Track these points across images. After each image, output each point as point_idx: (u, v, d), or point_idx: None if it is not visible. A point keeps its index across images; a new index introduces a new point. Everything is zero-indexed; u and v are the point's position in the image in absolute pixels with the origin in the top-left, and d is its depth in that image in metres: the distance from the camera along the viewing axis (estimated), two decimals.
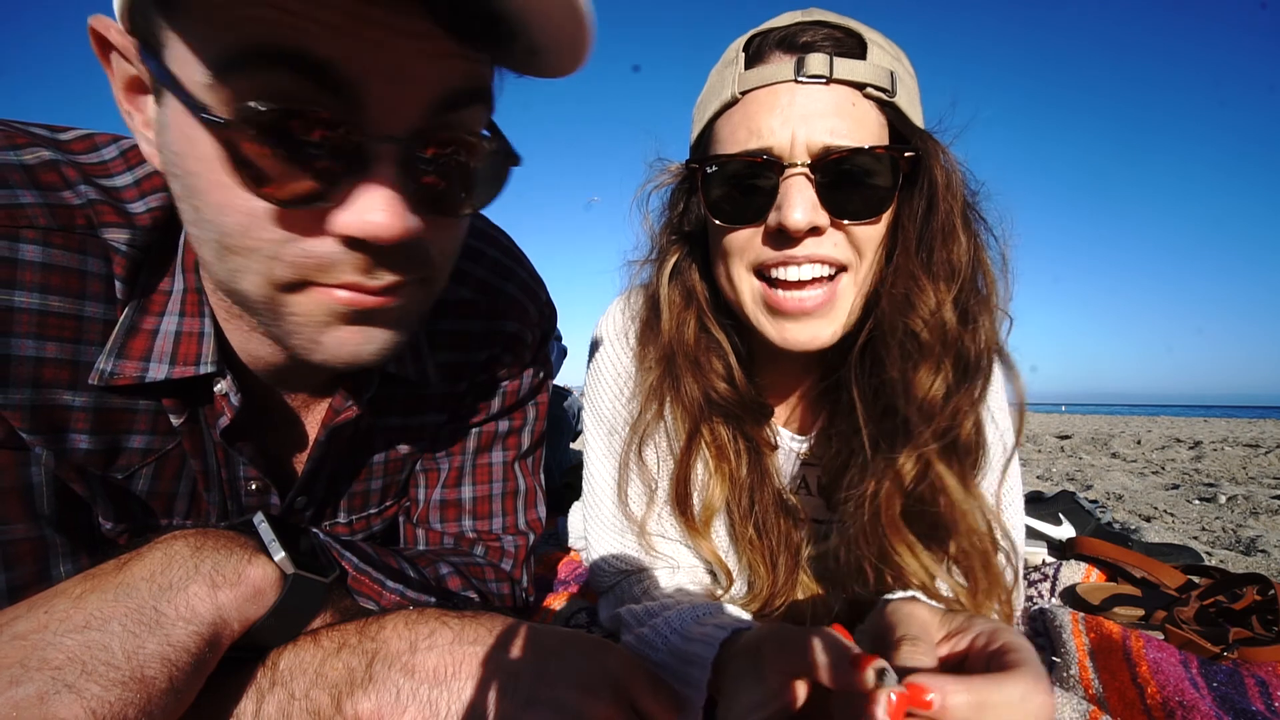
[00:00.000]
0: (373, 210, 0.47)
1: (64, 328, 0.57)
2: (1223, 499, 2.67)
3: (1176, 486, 3.14)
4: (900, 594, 0.71)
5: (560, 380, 2.64)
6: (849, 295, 0.75)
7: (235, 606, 0.50)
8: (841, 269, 0.73)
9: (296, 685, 0.50)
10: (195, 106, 0.43)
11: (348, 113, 0.45)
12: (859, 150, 0.69)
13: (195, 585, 0.48)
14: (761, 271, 0.75)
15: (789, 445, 0.92)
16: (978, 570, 0.70)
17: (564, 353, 2.30)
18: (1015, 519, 0.85)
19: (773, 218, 0.71)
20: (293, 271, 0.49)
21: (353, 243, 0.48)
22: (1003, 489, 0.80)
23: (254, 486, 0.73)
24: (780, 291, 0.74)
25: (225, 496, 0.72)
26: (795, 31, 0.73)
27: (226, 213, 0.47)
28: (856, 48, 0.72)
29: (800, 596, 0.88)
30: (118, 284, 0.60)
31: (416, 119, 0.47)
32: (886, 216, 0.73)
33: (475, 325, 0.83)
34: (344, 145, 0.45)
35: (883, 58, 0.72)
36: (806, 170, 0.70)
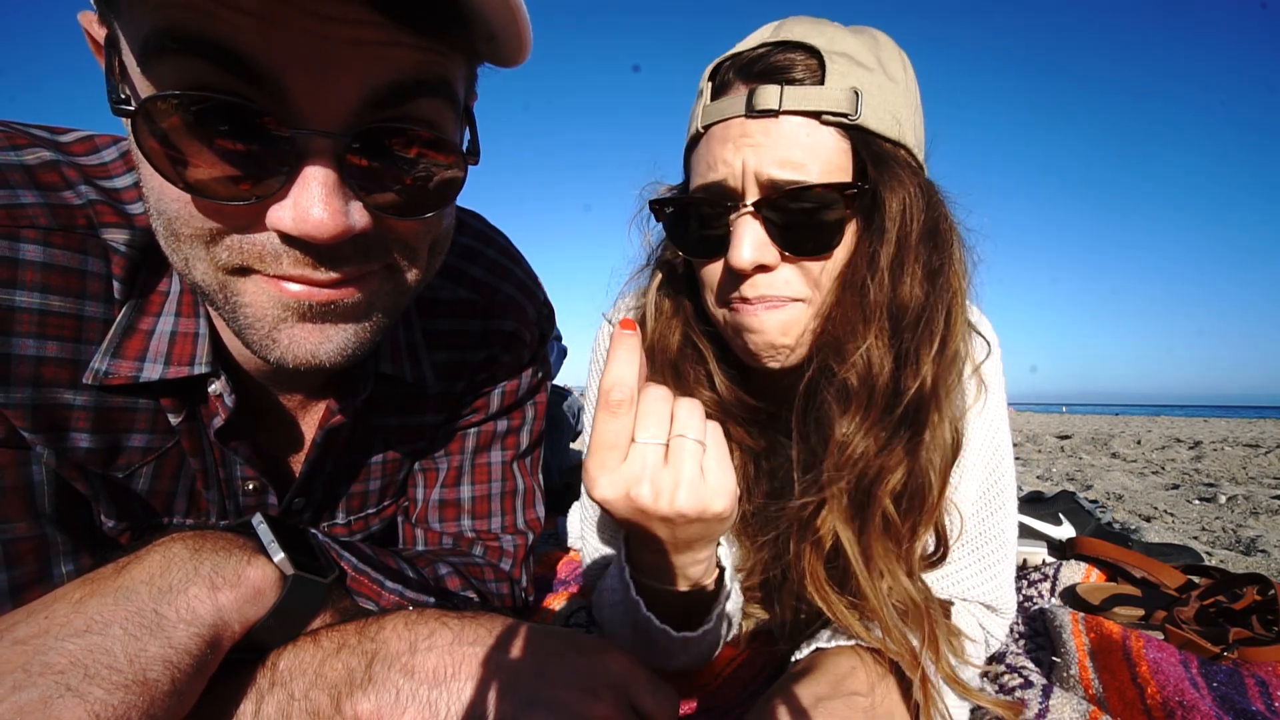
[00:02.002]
0: (305, 207, 0.45)
1: (64, 327, 0.58)
2: (1223, 499, 2.67)
3: (1176, 486, 3.14)
4: (823, 638, 0.71)
5: (560, 380, 2.64)
6: (805, 323, 0.73)
7: (235, 608, 0.49)
8: (795, 301, 0.72)
9: (296, 686, 0.50)
10: (118, 95, 0.43)
11: (271, 104, 0.43)
12: (804, 187, 0.67)
13: (195, 587, 0.48)
14: (727, 304, 0.75)
15: (789, 451, 0.91)
16: (892, 635, 0.66)
17: (564, 353, 2.30)
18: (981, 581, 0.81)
19: (727, 256, 0.71)
20: (233, 257, 0.48)
21: (292, 239, 0.47)
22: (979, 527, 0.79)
23: (251, 487, 0.73)
24: (743, 308, 0.73)
25: (223, 496, 0.72)
26: (757, 58, 0.70)
27: (166, 201, 0.46)
28: (814, 71, 0.68)
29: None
30: (116, 284, 0.60)
31: (354, 111, 0.45)
32: (844, 250, 0.71)
33: (473, 325, 0.83)
34: (268, 138, 0.43)
35: (847, 75, 0.68)
36: (752, 210, 0.68)
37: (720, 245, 0.72)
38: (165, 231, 0.49)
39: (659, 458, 0.56)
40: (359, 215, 0.48)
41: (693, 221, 0.74)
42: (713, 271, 0.75)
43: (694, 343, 0.84)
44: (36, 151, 0.58)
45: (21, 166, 0.57)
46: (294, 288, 0.49)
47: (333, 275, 0.50)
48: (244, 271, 0.49)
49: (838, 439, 0.67)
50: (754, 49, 0.71)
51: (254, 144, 0.44)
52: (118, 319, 0.60)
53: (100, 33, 0.49)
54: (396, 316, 0.59)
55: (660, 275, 0.87)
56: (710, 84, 0.73)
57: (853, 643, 0.69)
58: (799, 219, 0.68)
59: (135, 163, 0.49)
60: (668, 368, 0.84)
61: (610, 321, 0.96)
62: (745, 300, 0.72)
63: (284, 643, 0.53)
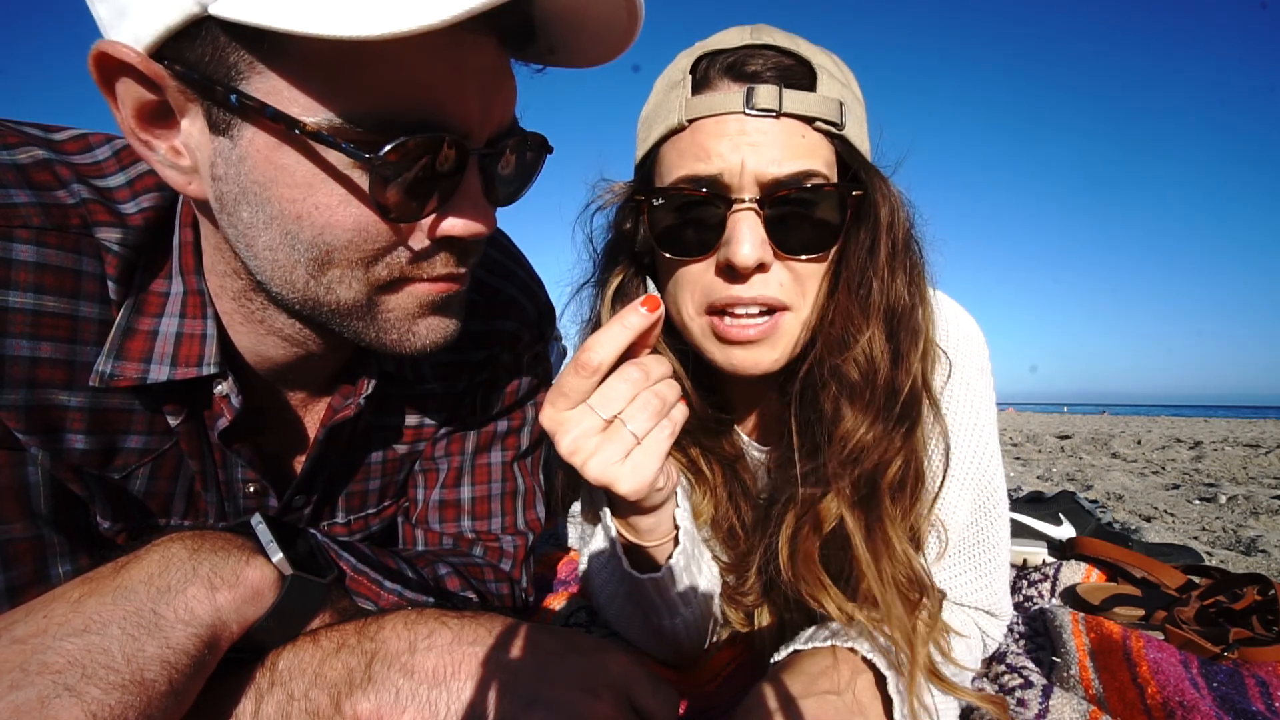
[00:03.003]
0: (470, 214, 0.55)
1: (59, 328, 0.57)
2: (1223, 499, 2.67)
3: (1177, 486, 3.14)
4: (800, 639, 0.72)
5: None
6: (793, 331, 0.73)
7: (234, 608, 0.49)
8: (785, 309, 0.72)
9: (295, 686, 0.50)
10: (327, 142, 0.47)
11: (457, 141, 0.52)
12: (807, 186, 0.68)
13: (193, 587, 0.48)
14: (710, 308, 0.74)
15: (754, 455, 0.91)
16: (891, 617, 0.67)
17: (564, 353, 2.30)
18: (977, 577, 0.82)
19: (721, 253, 0.70)
20: (391, 272, 0.56)
21: (447, 242, 0.56)
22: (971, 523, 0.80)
23: (252, 489, 0.73)
24: (727, 319, 0.72)
25: (222, 497, 0.72)
26: (743, 57, 0.70)
27: (331, 231, 0.51)
28: (806, 77, 0.70)
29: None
30: (110, 284, 0.59)
31: (495, 131, 0.55)
32: (832, 252, 0.72)
33: (474, 325, 0.83)
34: (449, 163, 0.52)
35: (832, 87, 0.69)
36: (755, 205, 0.68)
37: (709, 243, 0.71)
38: (309, 262, 0.53)
39: (595, 426, 0.61)
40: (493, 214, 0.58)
41: (681, 218, 0.72)
42: (694, 274, 0.73)
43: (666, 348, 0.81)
44: (29, 150, 0.58)
45: (14, 165, 0.56)
46: (438, 286, 0.58)
47: (465, 269, 0.60)
48: (396, 284, 0.57)
49: (842, 432, 0.69)
50: (738, 49, 0.70)
51: (440, 173, 0.52)
52: (117, 320, 0.60)
53: (151, 68, 0.47)
54: None
55: (610, 287, 0.83)
56: (691, 77, 0.72)
57: (829, 644, 0.69)
58: (798, 218, 0.69)
59: (253, 201, 0.52)
60: None
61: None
62: (732, 311, 0.71)
63: (283, 643, 0.53)
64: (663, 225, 0.74)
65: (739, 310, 0.71)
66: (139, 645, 0.43)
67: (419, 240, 0.55)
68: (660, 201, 0.73)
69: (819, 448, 0.72)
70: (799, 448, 0.75)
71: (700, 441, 0.87)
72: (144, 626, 0.44)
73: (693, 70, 0.72)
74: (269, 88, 0.46)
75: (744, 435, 0.91)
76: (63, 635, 0.42)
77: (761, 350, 0.73)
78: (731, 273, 0.70)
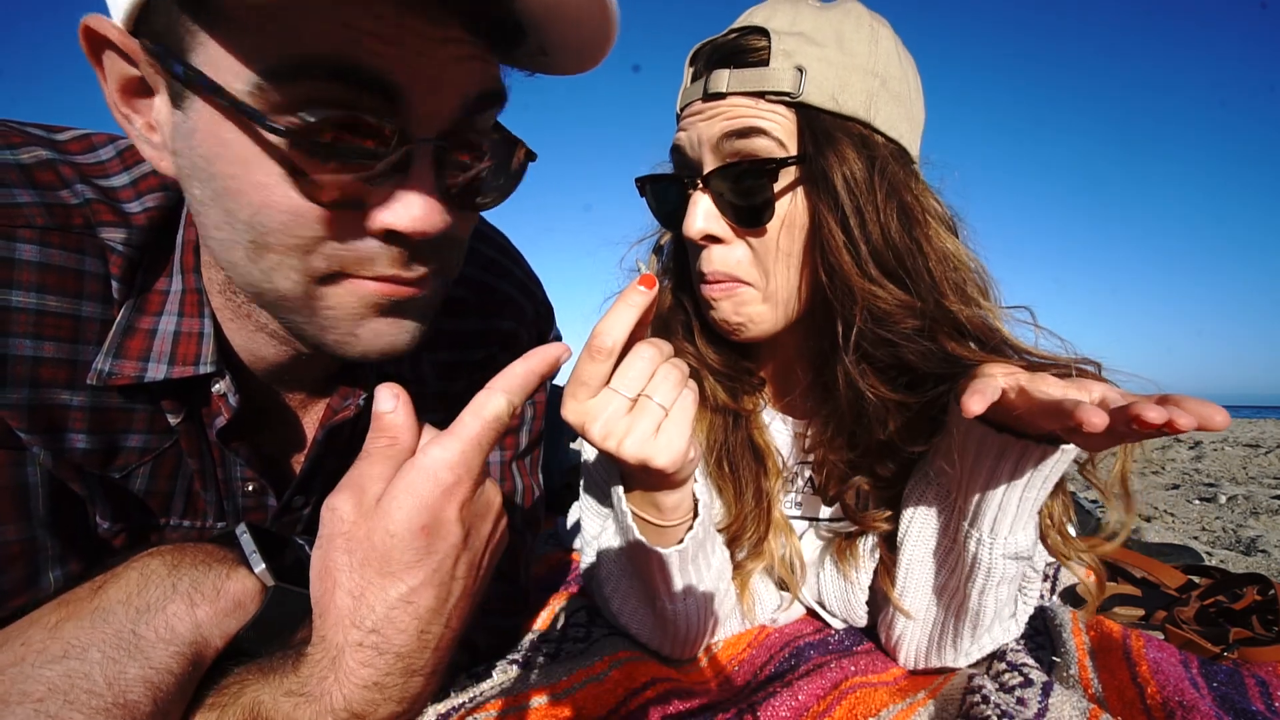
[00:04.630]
0: (414, 207, 0.50)
1: (61, 327, 0.57)
2: (1223, 499, 2.66)
3: (1176, 486, 3.14)
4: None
5: (560, 380, 2.63)
6: (753, 305, 0.79)
7: (215, 623, 0.49)
8: (742, 283, 0.79)
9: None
10: (247, 112, 0.44)
11: (394, 118, 0.47)
12: (737, 164, 0.74)
13: (173, 604, 0.48)
14: (699, 279, 0.82)
15: (781, 427, 0.95)
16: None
17: None
18: None
19: (683, 226, 0.78)
20: (330, 264, 0.51)
21: (391, 237, 0.51)
22: None
23: (250, 488, 0.73)
24: (705, 288, 0.82)
25: (221, 496, 0.72)
26: (709, 46, 0.78)
27: (266, 212, 0.48)
28: (758, 54, 0.73)
29: (771, 537, 0.91)
30: (114, 284, 0.59)
31: (449, 121, 0.51)
32: (784, 224, 0.76)
33: (472, 324, 0.83)
34: (389, 149, 0.48)
35: (793, 55, 0.72)
36: (701, 183, 0.76)
37: (680, 221, 0.79)
38: (248, 244, 0.50)
39: (623, 407, 0.61)
40: (448, 214, 0.53)
41: (662, 197, 0.84)
42: (682, 245, 0.85)
43: (681, 303, 0.92)
44: (32, 150, 0.58)
45: (17, 165, 0.56)
46: (380, 286, 0.53)
47: (418, 272, 0.54)
48: (335, 278, 0.53)
49: (874, 397, 0.75)
50: (723, 36, 0.78)
51: (373, 154, 0.47)
52: (118, 319, 0.60)
53: (127, 43, 0.48)
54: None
55: (658, 243, 0.97)
56: (690, 70, 0.81)
57: None
58: (742, 192, 0.74)
59: (203, 177, 0.49)
60: (660, 321, 0.91)
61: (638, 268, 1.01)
62: (704, 278, 0.80)
63: (271, 653, 0.52)
64: (656, 208, 0.87)
65: (707, 273, 0.79)
66: (120, 668, 0.43)
67: (358, 232, 0.51)
68: (649, 186, 0.85)
69: (844, 411, 0.79)
70: (822, 415, 0.84)
71: (709, 382, 0.90)
72: (124, 648, 0.44)
73: (691, 63, 0.81)
74: (209, 57, 0.45)
75: (773, 410, 0.96)
76: (42, 663, 0.42)
77: (731, 317, 0.80)
78: (696, 246, 0.79)
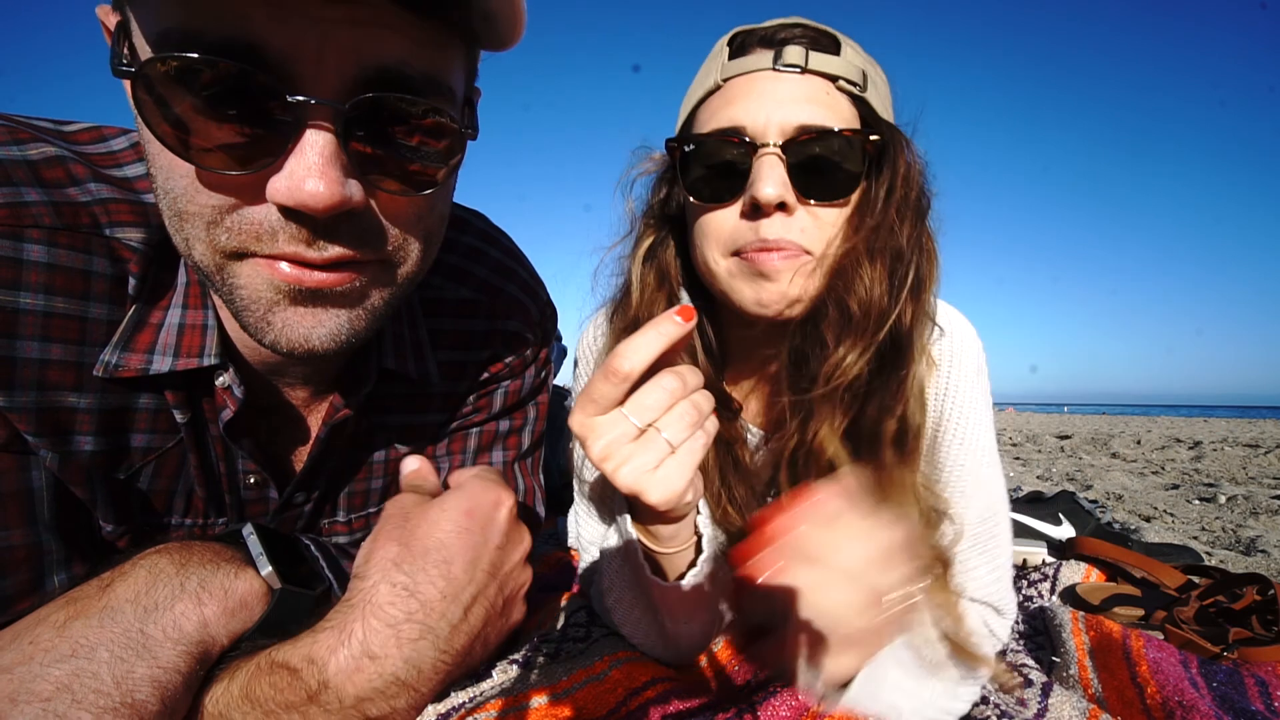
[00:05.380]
0: (302, 176, 0.46)
1: (69, 329, 0.57)
2: (1223, 499, 2.67)
3: (1176, 486, 3.14)
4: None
5: (560, 380, 2.63)
6: (812, 275, 0.76)
7: (222, 622, 0.49)
8: (806, 253, 0.76)
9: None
10: (144, 81, 0.44)
11: (278, 82, 0.45)
12: (828, 132, 0.73)
13: (181, 603, 0.48)
14: (736, 253, 0.77)
15: (752, 438, 0.93)
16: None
17: (564, 353, 2.30)
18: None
19: (746, 195, 0.74)
20: (231, 238, 0.49)
21: (290, 212, 0.48)
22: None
23: (253, 480, 0.72)
24: (757, 256, 0.75)
25: (224, 491, 0.72)
26: (776, 30, 0.78)
27: (173, 177, 0.48)
28: (831, 45, 0.76)
29: None
30: (131, 281, 0.59)
31: (350, 86, 0.47)
32: (853, 202, 0.76)
33: (477, 324, 0.83)
34: (273, 113, 0.45)
35: (856, 58, 0.76)
36: (778, 150, 0.73)
37: (736, 188, 0.75)
38: (170, 211, 0.50)
39: (628, 434, 0.58)
40: (355, 189, 0.49)
41: (710, 163, 0.77)
42: (721, 219, 0.77)
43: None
44: (40, 146, 0.57)
45: (25, 162, 0.56)
46: (287, 269, 0.50)
47: (326, 254, 0.50)
48: (240, 255, 0.50)
49: (833, 360, 0.74)
50: (771, 26, 0.79)
51: (256, 114, 0.45)
52: (129, 313, 0.60)
53: (113, 20, 0.49)
54: (392, 309, 0.59)
55: (642, 247, 0.89)
56: (729, 48, 0.79)
57: None
58: (819, 164, 0.74)
59: (143, 143, 0.50)
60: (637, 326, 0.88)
61: (595, 326, 0.98)
62: (762, 248, 0.74)
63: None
64: (694, 173, 0.79)
65: (770, 239, 0.75)
66: (128, 667, 0.43)
67: (256, 204, 0.48)
68: (691, 148, 0.79)
69: (813, 383, 0.76)
70: (786, 378, 0.80)
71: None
72: (132, 647, 0.44)
73: (730, 43, 0.80)
74: (135, 31, 0.46)
75: (745, 420, 0.93)
76: (50, 662, 0.42)
77: (791, 285, 0.75)
78: (756, 213, 0.74)
